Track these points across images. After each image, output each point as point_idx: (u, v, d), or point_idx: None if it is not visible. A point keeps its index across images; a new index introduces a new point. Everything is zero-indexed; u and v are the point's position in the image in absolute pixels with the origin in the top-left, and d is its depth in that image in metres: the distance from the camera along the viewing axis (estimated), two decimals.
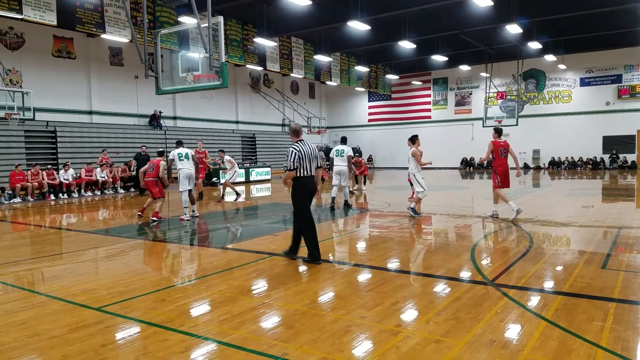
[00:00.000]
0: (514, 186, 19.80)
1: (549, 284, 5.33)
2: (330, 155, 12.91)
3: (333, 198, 12.42)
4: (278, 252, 7.11)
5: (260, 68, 24.46)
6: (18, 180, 15.73)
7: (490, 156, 10.09)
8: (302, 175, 6.34)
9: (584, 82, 29.72)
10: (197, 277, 5.90)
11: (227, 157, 15.14)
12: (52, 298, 5.02)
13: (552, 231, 8.67)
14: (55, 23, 14.82)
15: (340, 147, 12.61)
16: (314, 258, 6.31)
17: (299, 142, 6.43)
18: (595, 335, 3.78)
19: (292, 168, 6.29)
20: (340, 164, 12.46)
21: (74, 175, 17.51)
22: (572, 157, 29.82)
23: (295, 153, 6.26)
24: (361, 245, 7.96)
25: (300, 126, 6.75)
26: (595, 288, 5.05)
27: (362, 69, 29.81)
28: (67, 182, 17.11)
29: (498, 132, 10.29)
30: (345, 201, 12.54)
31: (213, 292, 5.20)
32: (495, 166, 10.17)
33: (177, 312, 4.52)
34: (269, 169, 25.18)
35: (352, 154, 12.94)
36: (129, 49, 22.21)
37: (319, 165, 6.60)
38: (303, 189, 6.39)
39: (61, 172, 17.31)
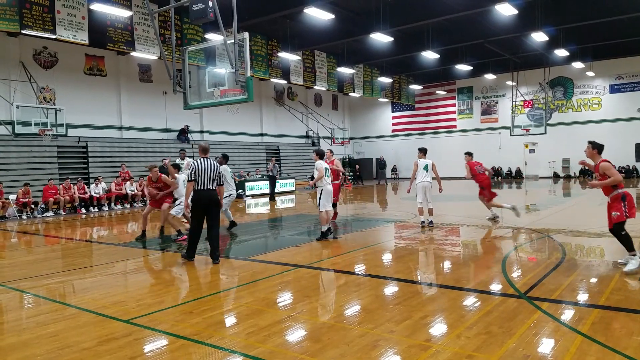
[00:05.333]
0: (545, 196, 19.38)
1: (584, 297, 5.14)
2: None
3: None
4: (303, 264, 7.09)
5: (284, 82, 24.70)
6: (51, 195, 16.19)
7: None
8: (198, 188, 7.13)
9: (613, 89, 28.96)
10: (224, 289, 5.91)
11: (187, 160, 11.40)
12: (82, 310, 5.10)
13: (585, 242, 8.40)
14: (87, 42, 15.31)
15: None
16: (189, 256, 7.42)
17: (202, 158, 7.23)
18: (635, 350, 3.62)
19: (189, 179, 7.15)
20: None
21: (105, 188, 17.93)
22: None
23: (193, 167, 7.14)
24: (387, 257, 7.87)
25: (208, 145, 7.54)
26: (634, 301, 4.85)
27: (385, 79, 29.78)
28: (97, 195, 17.52)
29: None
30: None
31: (239, 304, 5.20)
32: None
33: (204, 324, 4.53)
34: (293, 180, 25.28)
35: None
36: (158, 66, 22.76)
37: (220, 183, 7.33)
38: (197, 200, 7.18)
39: (92, 186, 17.76)
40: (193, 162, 7.20)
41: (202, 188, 7.13)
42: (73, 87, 20.08)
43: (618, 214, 6.13)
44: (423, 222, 10.48)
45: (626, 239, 6.12)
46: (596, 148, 6.52)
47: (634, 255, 6.06)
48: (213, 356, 3.79)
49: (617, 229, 6.17)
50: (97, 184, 17.69)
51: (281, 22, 20.08)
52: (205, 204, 7.19)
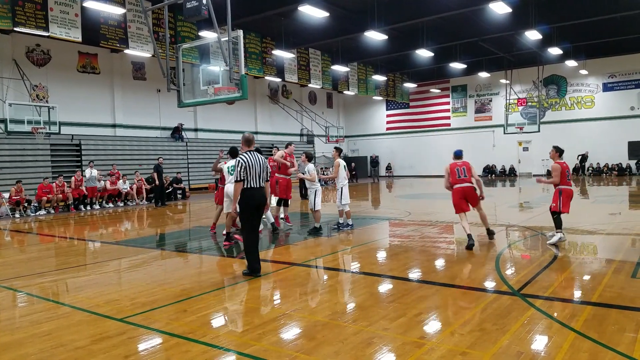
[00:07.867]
0: (538, 193, 19.47)
1: (577, 294, 5.18)
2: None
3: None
4: (298, 262, 7.09)
5: (278, 79, 24.67)
6: (45, 194, 16.08)
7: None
8: (250, 186, 6.08)
9: (606, 87, 29.13)
10: (218, 288, 5.91)
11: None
12: (76, 309, 5.08)
13: (578, 239, 8.46)
14: (80, 40, 15.20)
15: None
16: (254, 270, 6.24)
17: (248, 152, 6.20)
18: (627, 347, 3.65)
19: (239, 179, 6.04)
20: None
21: (99, 177, 17.63)
22: (597, 164, 29.15)
23: (242, 164, 6.03)
24: (382, 255, 7.88)
25: (252, 136, 6.50)
26: (626, 298, 4.88)
27: (379, 78, 29.79)
28: (88, 177, 17.23)
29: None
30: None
31: (234, 302, 5.20)
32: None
33: (199, 322, 4.52)
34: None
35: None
36: (152, 64, 22.65)
37: (267, 178, 6.33)
38: (251, 201, 6.13)
39: (87, 170, 17.41)
40: (241, 158, 6.08)
41: (255, 186, 6.12)
42: (66, 84, 19.95)
43: (554, 204, 7.91)
44: (350, 224, 10.21)
45: (556, 220, 7.86)
46: (558, 152, 8.19)
47: (559, 232, 7.70)
48: (207, 354, 3.78)
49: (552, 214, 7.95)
50: (91, 166, 17.41)
51: (275, 20, 20.03)
52: (259, 203, 6.22)
